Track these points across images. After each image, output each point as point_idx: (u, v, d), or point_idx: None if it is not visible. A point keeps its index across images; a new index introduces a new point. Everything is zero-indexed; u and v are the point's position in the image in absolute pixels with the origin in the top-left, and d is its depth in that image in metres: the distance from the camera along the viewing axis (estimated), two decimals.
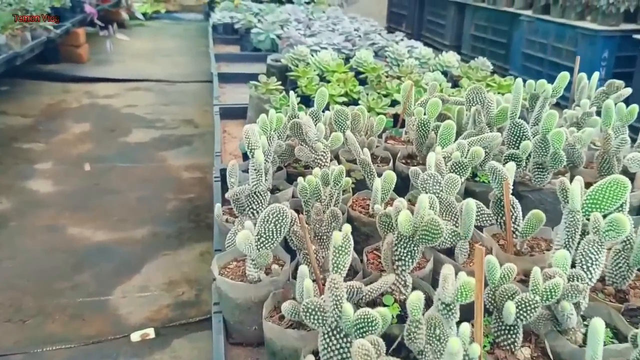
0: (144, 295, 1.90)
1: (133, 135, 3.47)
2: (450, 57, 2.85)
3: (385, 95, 2.33)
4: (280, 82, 3.02)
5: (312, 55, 2.84)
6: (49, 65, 5.00)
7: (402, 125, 1.85)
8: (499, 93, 2.32)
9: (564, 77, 1.88)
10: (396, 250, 1.19)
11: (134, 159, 3.11)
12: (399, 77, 2.61)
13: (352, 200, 1.52)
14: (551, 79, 1.95)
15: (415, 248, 1.17)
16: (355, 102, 2.33)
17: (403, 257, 1.19)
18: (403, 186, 1.61)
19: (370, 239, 1.50)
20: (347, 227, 1.10)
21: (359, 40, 3.64)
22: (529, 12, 4.92)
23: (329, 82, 2.53)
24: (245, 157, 1.80)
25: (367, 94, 2.38)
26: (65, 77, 4.68)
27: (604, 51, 4.09)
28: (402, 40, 3.60)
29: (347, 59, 3.11)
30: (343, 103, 2.25)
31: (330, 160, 1.53)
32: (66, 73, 4.75)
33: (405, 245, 1.18)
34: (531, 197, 1.77)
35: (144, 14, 9.49)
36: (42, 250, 2.18)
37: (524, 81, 2.00)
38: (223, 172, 1.83)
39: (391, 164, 1.69)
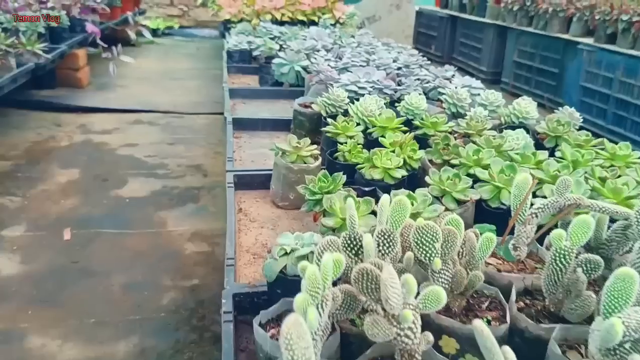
0: None
1: (129, 186, 2.88)
2: (528, 106, 2.23)
3: (456, 165, 1.71)
4: (310, 136, 2.41)
5: (353, 103, 2.24)
6: (42, 91, 4.45)
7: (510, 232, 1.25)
8: (611, 166, 1.70)
9: None
10: None
11: (127, 222, 2.51)
12: (467, 135, 2.00)
13: None
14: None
15: None
16: (414, 176, 1.72)
17: None
18: (525, 350, 0.98)
19: None
20: None
21: (403, 75, 3.03)
22: (589, 40, 4.29)
23: (376, 140, 1.92)
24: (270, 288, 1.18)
25: (432, 159, 1.78)
26: (58, 106, 4.12)
27: None
28: (453, 76, 2.98)
29: (392, 103, 2.50)
30: (402, 182, 1.63)
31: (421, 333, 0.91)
32: (60, 102, 4.19)
33: None
34: None
35: (156, 30, 9.00)
36: None
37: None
38: (238, 299, 1.23)
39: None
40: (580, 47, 4.32)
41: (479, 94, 2.68)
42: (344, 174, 1.64)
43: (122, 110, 4.18)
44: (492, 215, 1.54)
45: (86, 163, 3.14)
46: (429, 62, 3.54)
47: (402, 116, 2.33)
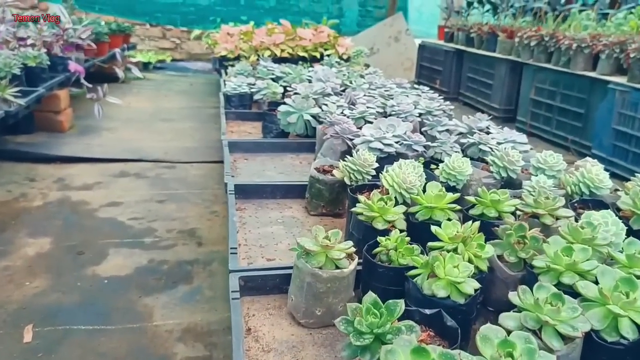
0: None
1: (109, 261, 2.42)
2: (600, 173, 1.82)
3: (540, 270, 1.27)
4: (330, 207, 1.97)
5: (382, 167, 1.81)
6: (18, 137, 4.00)
7: None
8: None
9: None
10: None
11: (104, 313, 2.04)
12: (535, 215, 1.57)
13: None
14: None
15: None
16: (481, 280, 1.28)
17: None
18: None
19: None
20: None
21: (429, 126, 2.62)
22: (621, 80, 3.92)
23: (422, 226, 1.49)
24: None
25: (501, 255, 1.35)
26: (34, 156, 3.67)
27: None
28: (488, 126, 2.57)
29: (426, 166, 2.07)
30: (474, 298, 1.19)
31: None
32: (36, 151, 3.74)
33: None
34: None
35: (147, 64, 8.64)
36: None
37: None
38: None
39: None
40: (611, 87, 3.95)
41: (527, 152, 2.27)
42: (389, 281, 1.21)
43: (107, 160, 3.73)
44: (607, 352, 1.10)
45: (60, 230, 2.68)
46: (451, 106, 3.15)
47: (442, 182, 1.91)
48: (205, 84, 7.17)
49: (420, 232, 1.49)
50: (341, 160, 1.95)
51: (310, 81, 3.81)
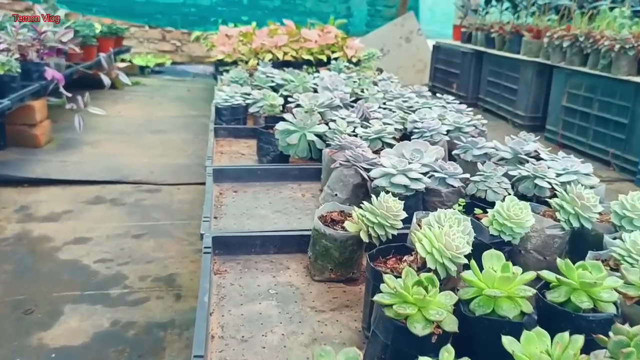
0: None
1: (62, 323, 1.92)
2: None
3: None
4: (342, 272, 1.47)
5: (419, 223, 1.31)
6: None
7: None
8: None
9: None
10: None
11: None
12: None
13: None
14: None
15: None
16: None
17: None
18: None
19: None
20: None
21: (461, 149, 2.11)
22: None
23: (479, 322, 0.99)
24: None
25: None
26: None
27: None
28: (537, 150, 2.05)
29: (466, 210, 1.55)
30: None
31: None
32: (1, 172, 3.26)
33: None
34: None
35: (145, 68, 8.19)
36: None
37: None
38: None
39: None
40: None
41: (593, 187, 1.75)
42: None
43: (82, 182, 3.24)
44: None
45: (10, 277, 2.19)
46: (484, 120, 2.63)
47: (492, 236, 1.41)
48: (203, 89, 6.68)
49: (475, 331, 0.99)
50: (355, 209, 1.44)
51: (315, 90, 3.31)
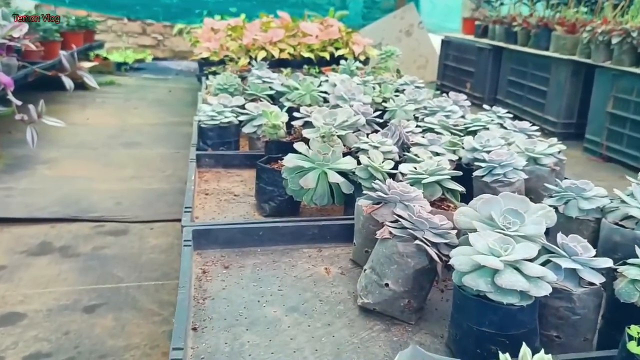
0: None
1: None
2: None
3: None
4: None
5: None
6: None
7: None
8: None
9: None
10: None
11: None
12: None
13: None
14: None
15: None
16: None
17: None
18: None
19: None
20: None
21: (559, 198, 1.43)
22: None
23: None
24: None
25: None
26: None
27: None
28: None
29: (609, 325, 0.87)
30: None
31: None
32: None
33: None
34: None
35: (122, 64, 7.41)
36: None
37: None
38: None
39: None
40: None
41: None
42: None
43: (26, 220, 2.52)
44: None
45: None
46: (563, 146, 1.94)
47: None
48: (187, 89, 5.93)
49: None
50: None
51: (326, 100, 2.60)
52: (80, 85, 5.52)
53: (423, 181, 1.47)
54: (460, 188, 1.49)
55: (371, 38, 6.58)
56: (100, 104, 5.10)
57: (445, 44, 6.55)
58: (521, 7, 6.13)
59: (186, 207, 1.57)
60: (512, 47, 5.21)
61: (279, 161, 1.79)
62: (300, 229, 1.51)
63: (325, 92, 2.64)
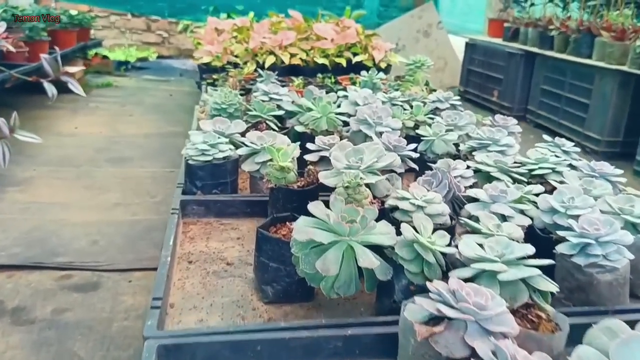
0: None
1: None
2: None
3: None
4: None
5: None
6: None
7: None
8: None
9: None
10: None
11: None
12: None
13: None
14: None
15: None
16: None
17: None
18: None
19: None
20: None
21: None
22: None
23: None
24: None
25: None
26: None
27: None
28: None
29: None
30: None
31: None
32: None
33: None
34: None
35: (123, 63, 6.96)
36: None
37: None
38: None
39: None
40: None
41: None
42: None
43: None
44: None
45: None
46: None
47: None
48: (190, 93, 5.47)
49: None
50: None
51: (345, 124, 2.13)
52: (69, 92, 5.09)
53: (501, 277, 0.99)
54: (554, 288, 1.01)
55: (387, 38, 6.08)
56: (92, 109, 4.65)
57: (470, 47, 6.04)
58: (553, 8, 5.61)
59: (155, 298, 1.11)
60: (547, 53, 4.69)
61: (287, 223, 1.33)
62: (317, 341, 1.03)
63: (346, 115, 2.16)
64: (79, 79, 5.17)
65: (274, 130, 2.07)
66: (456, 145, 2.01)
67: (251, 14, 5.21)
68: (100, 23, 8.46)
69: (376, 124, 1.99)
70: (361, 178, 1.36)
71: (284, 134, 2.09)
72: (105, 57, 6.83)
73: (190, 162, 1.66)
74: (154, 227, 2.46)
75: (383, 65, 3.79)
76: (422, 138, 1.97)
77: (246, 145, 1.70)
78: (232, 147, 1.73)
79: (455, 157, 1.94)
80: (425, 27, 7.75)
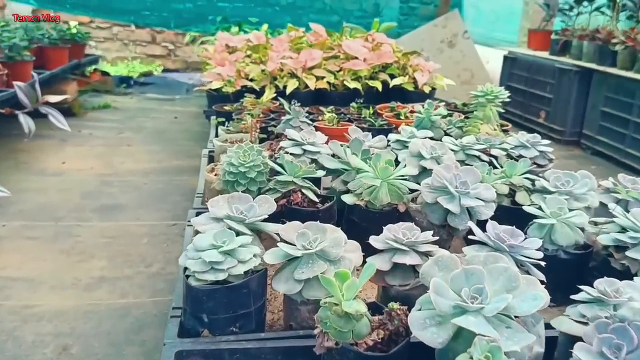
0: None
1: None
2: None
3: None
4: None
5: None
6: None
7: None
8: None
9: None
10: None
11: None
12: None
13: None
14: None
15: None
16: None
17: None
18: None
19: None
20: None
21: None
22: None
23: None
24: None
25: None
26: None
27: None
28: None
29: None
30: None
31: None
32: None
33: None
34: None
35: (125, 79, 6.38)
36: None
37: None
38: None
39: None
40: None
41: None
42: None
43: None
44: None
45: None
46: None
47: None
48: (197, 115, 4.86)
49: None
50: None
51: (411, 190, 1.50)
52: (67, 111, 4.50)
53: None
54: None
55: (409, 48, 5.42)
56: (85, 137, 4.05)
57: (510, 60, 5.40)
58: (604, 18, 4.96)
59: None
60: (608, 70, 4.05)
61: None
62: None
63: (408, 176, 1.54)
64: (72, 101, 4.58)
65: (311, 200, 1.45)
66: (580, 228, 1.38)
67: (264, 26, 4.62)
68: (102, 35, 7.92)
69: (460, 193, 1.36)
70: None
71: (321, 201, 1.47)
72: (105, 73, 6.26)
73: (192, 282, 1.04)
74: (146, 322, 1.84)
75: (427, 89, 3.17)
76: (534, 220, 1.34)
77: (279, 251, 1.07)
78: (257, 251, 1.11)
79: (586, 249, 1.31)
80: (450, 37, 7.13)
